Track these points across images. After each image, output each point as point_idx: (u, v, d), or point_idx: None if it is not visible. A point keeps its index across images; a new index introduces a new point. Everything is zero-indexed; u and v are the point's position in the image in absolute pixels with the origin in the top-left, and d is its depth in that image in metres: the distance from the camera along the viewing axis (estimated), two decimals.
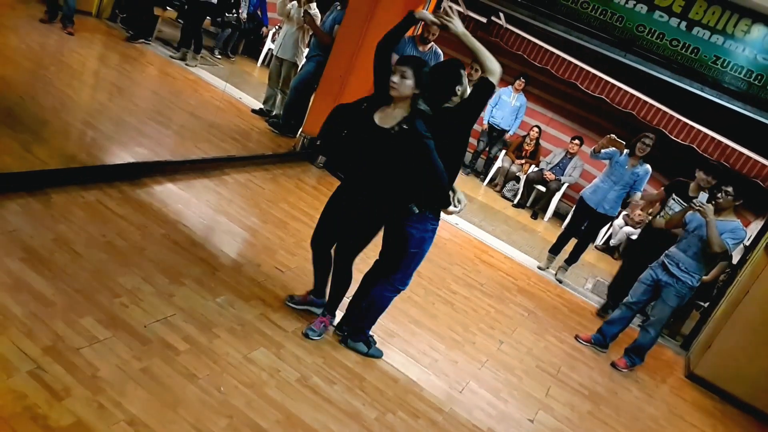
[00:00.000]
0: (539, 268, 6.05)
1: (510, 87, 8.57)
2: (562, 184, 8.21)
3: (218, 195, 4.52)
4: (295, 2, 6.59)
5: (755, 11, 4.69)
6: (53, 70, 5.67)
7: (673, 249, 4.51)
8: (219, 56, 9.01)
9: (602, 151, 5.48)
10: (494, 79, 2.72)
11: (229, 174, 4.95)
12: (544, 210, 8.42)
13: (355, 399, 2.93)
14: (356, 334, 3.30)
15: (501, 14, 7.70)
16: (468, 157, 9.28)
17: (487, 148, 8.98)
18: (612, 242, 7.98)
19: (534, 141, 8.68)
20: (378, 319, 3.32)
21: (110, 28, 7.84)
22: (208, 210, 4.24)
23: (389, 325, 3.72)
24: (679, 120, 7.41)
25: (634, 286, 4.73)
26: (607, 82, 7.72)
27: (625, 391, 4.32)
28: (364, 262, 3.36)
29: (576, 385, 4.06)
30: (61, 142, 4.35)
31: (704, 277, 4.65)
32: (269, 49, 9.41)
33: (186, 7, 8.00)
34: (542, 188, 8.33)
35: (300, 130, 6.36)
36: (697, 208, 4.21)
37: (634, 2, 4.99)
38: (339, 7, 6.26)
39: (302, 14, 6.39)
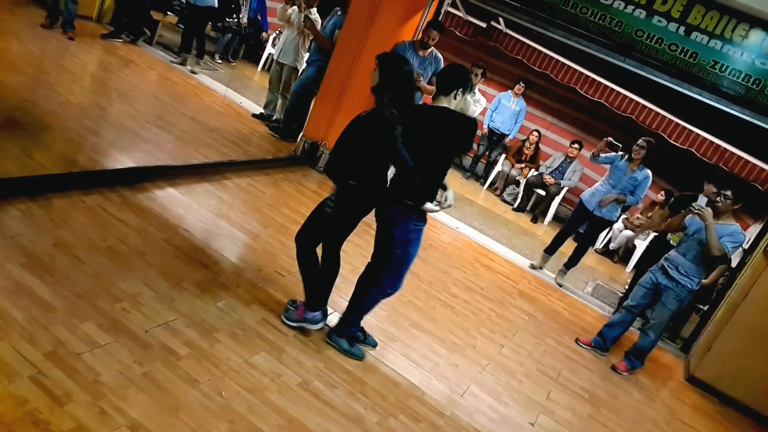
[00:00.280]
0: (531, 266, 6.05)
1: (510, 91, 8.60)
2: (562, 188, 8.22)
3: (219, 199, 4.53)
4: (295, 7, 6.61)
5: (753, 16, 4.71)
6: (54, 74, 5.68)
7: (672, 252, 4.53)
8: (219, 61, 9.04)
9: (601, 155, 5.50)
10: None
11: (230, 178, 4.96)
12: (544, 214, 8.43)
13: (357, 403, 2.93)
14: (340, 329, 3.29)
15: (501, 19, 7.73)
16: (468, 161, 9.31)
17: (487, 153, 9.00)
18: (612, 246, 7.99)
19: (534, 145, 8.69)
20: (363, 318, 3.30)
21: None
22: (209, 214, 4.24)
23: (390, 329, 3.73)
24: (677, 124, 7.43)
25: (633, 289, 4.75)
26: (606, 86, 7.76)
27: (625, 394, 4.32)
28: (363, 265, 3.36)
29: (577, 388, 4.07)
30: (61, 147, 4.35)
31: (703, 281, 4.66)
32: (270, 53, 9.44)
33: (186, 12, 8.00)
34: (542, 192, 8.35)
35: (300, 134, 6.37)
36: (696, 211, 4.23)
37: (633, 7, 5.00)
38: (339, 12, 6.29)
39: (303, 19, 6.42)
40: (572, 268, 5.98)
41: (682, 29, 4.93)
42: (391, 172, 3.04)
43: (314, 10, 6.51)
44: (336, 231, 3.18)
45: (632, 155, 5.36)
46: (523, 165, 8.67)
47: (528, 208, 8.58)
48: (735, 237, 4.22)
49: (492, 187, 8.92)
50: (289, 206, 4.94)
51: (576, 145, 8.22)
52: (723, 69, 4.90)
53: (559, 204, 8.36)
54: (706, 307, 5.69)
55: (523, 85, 8.46)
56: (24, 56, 5.76)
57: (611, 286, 6.76)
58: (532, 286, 5.64)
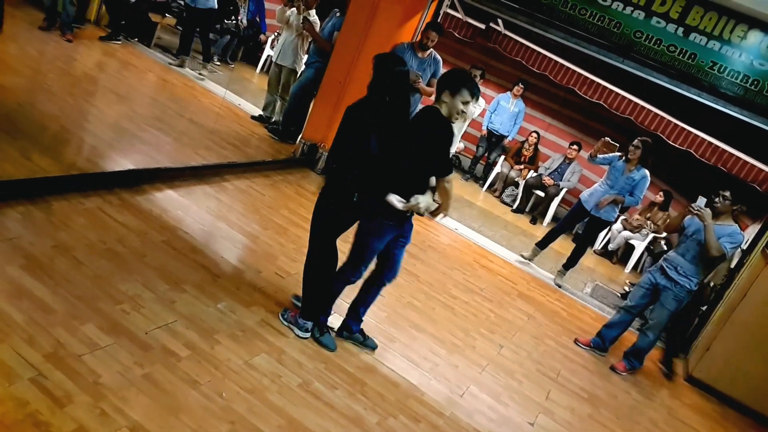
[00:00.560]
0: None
1: (509, 93, 8.60)
2: (561, 190, 8.23)
3: (218, 201, 4.53)
4: (294, 9, 6.61)
5: (751, 17, 4.73)
6: (52, 77, 5.68)
7: (671, 253, 4.54)
8: (218, 63, 9.03)
9: (599, 156, 5.51)
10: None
11: (229, 180, 4.96)
12: (543, 215, 8.44)
13: (357, 404, 2.93)
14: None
15: (499, 20, 7.74)
16: (467, 162, 9.31)
17: (486, 154, 9.00)
18: (611, 247, 8.00)
19: (533, 146, 8.70)
20: (325, 307, 3.28)
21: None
22: (208, 216, 4.24)
23: (390, 329, 3.73)
24: (676, 125, 7.44)
25: (632, 290, 4.75)
26: (605, 87, 7.77)
27: (624, 394, 4.33)
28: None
29: (576, 388, 4.07)
30: (60, 150, 4.36)
31: (715, 281, 4.68)
32: (268, 55, 9.44)
33: (185, 14, 8.01)
34: (541, 193, 8.36)
35: (300, 136, 6.37)
36: (695, 212, 4.24)
37: (632, 8, 5.02)
38: (338, 14, 6.29)
39: (301, 21, 6.42)
40: (571, 269, 5.98)
41: (680, 30, 4.95)
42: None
43: (313, 11, 6.52)
44: (326, 225, 3.18)
45: (628, 156, 5.38)
46: (522, 166, 8.68)
47: (527, 210, 8.59)
48: (734, 237, 4.23)
49: (491, 188, 8.93)
50: (288, 208, 4.94)
51: (575, 147, 8.23)
52: (721, 70, 4.92)
53: (558, 205, 8.37)
54: (704, 308, 5.70)
55: (522, 86, 8.47)
56: (22, 59, 5.76)
57: (610, 286, 6.77)
58: (531, 287, 5.65)
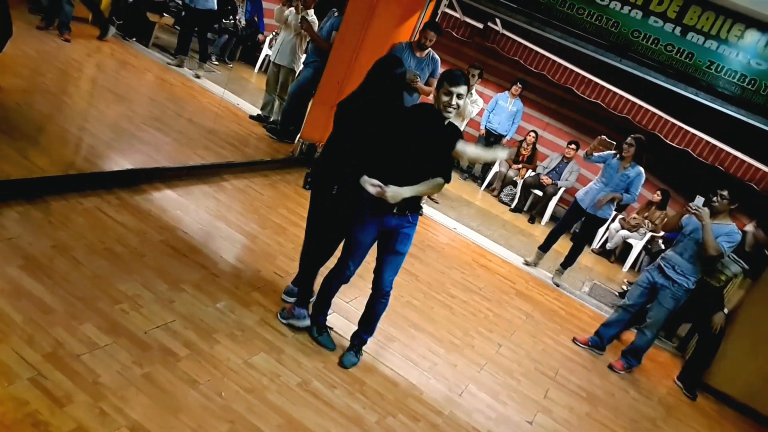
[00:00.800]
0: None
1: (507, 92, 8.61)
2: (559, 189, 8.25)
3: (217, 201, 4.53)
4: (292, 8, 6.61)
5: (748, 16, 4.73)
6: (50, 76, 5.67)
7: (669, 252, 4.55)
8: (216, 62, 9.03)
9: (595, 154, 5.52)
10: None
11: (227, 180, 4.96)
12: (541, 214, 8.45)
13: (356, 403, 2.94)
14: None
15: (497, 20, 7.75)
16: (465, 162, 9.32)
17: None
18: (609, 246, 8.02)
19: (531, 146, 8.72)
20: (323, 307, 3.28)
21: None
22: (207, 216, 4.25)
23: (389, 329, 3.74)
24: (674, 124, 7.46)
25: (630, 289, 4.77)
26: (602, 87, 7.78)
27: (622, 392, 4.34)
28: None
29: (574, 387, 4.08)
30: (59, 149, 4.35)
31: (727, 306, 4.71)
32: (266, 55, 9.44)
33: (184, 14, 8.00)
34: (539, 193, 8.37)
35: (298, 136, 6.37)
36: (693, 211, 4.25)
37: (629, 8, 5.03)
38: (336, 14, 6.29)
39: (300, 20, 6.42)
40: (569, 268, 6.00)
41: (678, 30, 4.95)
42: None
43: (311, 11, 6.52)
44: (315, 218, 3.25)
45: (622, 153, 5.39)
46: (520, 166, 8.69)
47: (525, 209, 8.60)
48: (731, 237, 4.24)
49: (489, 187, 8.94)
50: (287, 207, 4.94)
51: (573, 146, 8.25)
52: (719, 69, 4.93)
53: (556, 204, 8.38)
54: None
55: (520, 85, 8.48)
56: (20, 58, 5.74)
57: (608, 285, 6.79)
58: (530, 286, 5.66)
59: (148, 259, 3.37)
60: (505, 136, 8.73)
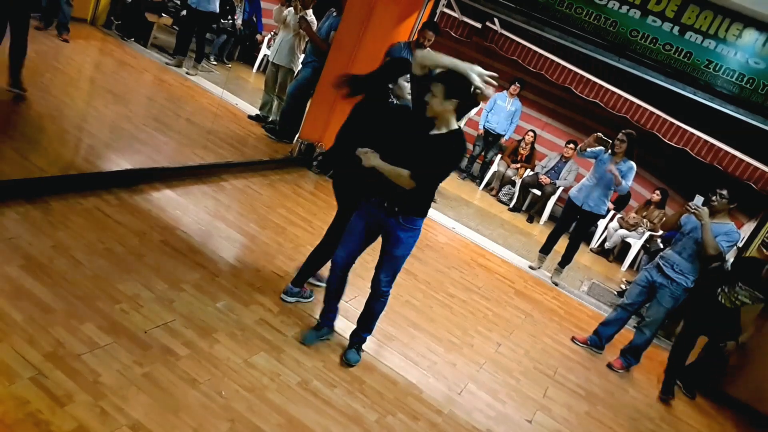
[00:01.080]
0: (531, 267, 6.09)
1: (505, 92, 8.62)
2: (558, 188, 8.26)
3: (216, 201, 4.54)
4: (291, 8, 6.62)
5: (746, 16, 4.75)
6: (49, 77, 5.67)
7: (668, 251, 4.56)
8: (215, 62, 9.04)
9: (588, 149, 5.53)
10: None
11: (226, 180, 4.97)
12: (540, 214, 8.46)
13: (356, 402, 2.95)
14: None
15: (496, 19, 7.76)
16: (464, 161, 9.33)
17: (483, 153, 9.02)
18: (607, 245, 8.03)
19: (529, 145, 8.73)
20: (331, 304, 3.30)
21: (105, 34, 7.85)
22: (206, 216, 4.25)
23: (388, 328, 3.75)
24: (672, 123, 7.47)
25: (629, 288, 4.78)
26: (601, 86, 7.78)
27: (621, 391, 4.35)
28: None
29: (573, 386, 4.09)
30: (58, 150, 4.36)
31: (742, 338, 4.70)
32: (265, 55, 9.44)
33: (185, 15, 8.00)
34: (538, 192, 8.38)
35: (297, 135, 6.38)
36: (692, 210, 4.25)
37: (628, 7, 5.04)
38: (335, 14, 6.30)
39: (298, 20, 6.42)
40: (567, 266, 6.00)
41: (676, 29, 4.97)
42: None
43: (310, 11, 6.52)
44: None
45: (614, 149, 5.40)
46: (518, 165, 8.70)
47: (524, 208, 8.61)
48: (730, 236, 4.25)
49: (488, 187, 8.95)
50: (285, 207, 4.95)
51: (571, 145, 8.26)
52: (717, 68, 4.95)
53: (555, 204, 8.39)
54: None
55: (518, 85, 8.49)
56: None
57: (607, 284, 6.80)
58: (529, 285, 5.67)
59: (147, 258, 3.38)
60: (504, 135, 8.74)
